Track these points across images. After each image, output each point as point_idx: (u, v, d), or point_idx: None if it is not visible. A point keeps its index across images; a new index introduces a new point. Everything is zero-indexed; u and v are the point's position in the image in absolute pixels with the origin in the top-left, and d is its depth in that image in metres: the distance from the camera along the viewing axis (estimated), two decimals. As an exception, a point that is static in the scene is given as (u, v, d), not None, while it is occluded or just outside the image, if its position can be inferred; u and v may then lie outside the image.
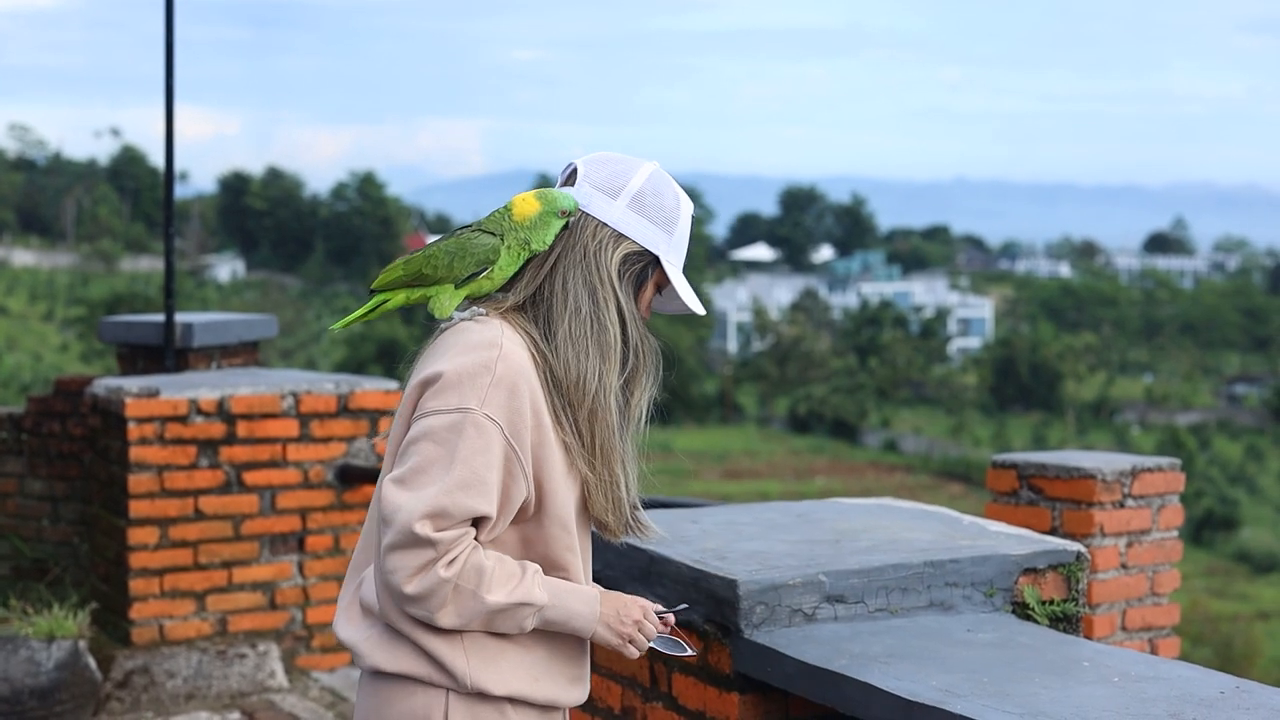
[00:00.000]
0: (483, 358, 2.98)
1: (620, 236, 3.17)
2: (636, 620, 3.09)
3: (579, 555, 3.14)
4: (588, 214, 3.17)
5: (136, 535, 6.76)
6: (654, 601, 3.33)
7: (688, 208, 3.28)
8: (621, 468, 3.17)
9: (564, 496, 3.07)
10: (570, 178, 3.24)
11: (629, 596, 3.13)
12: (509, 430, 2.96)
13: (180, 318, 7.72)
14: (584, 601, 3.06)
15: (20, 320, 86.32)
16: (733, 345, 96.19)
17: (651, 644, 3.13)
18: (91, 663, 6.26)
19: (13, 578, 7.79)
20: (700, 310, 3.29)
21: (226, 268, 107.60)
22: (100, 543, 7.14)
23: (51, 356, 73.79)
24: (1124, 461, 5.73)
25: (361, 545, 3.15)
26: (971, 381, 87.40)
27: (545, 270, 3.16)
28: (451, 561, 2.89)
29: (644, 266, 3.20)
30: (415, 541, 2.86)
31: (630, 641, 3.09)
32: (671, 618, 3.18)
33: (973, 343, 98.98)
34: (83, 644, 6.19)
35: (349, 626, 3.08)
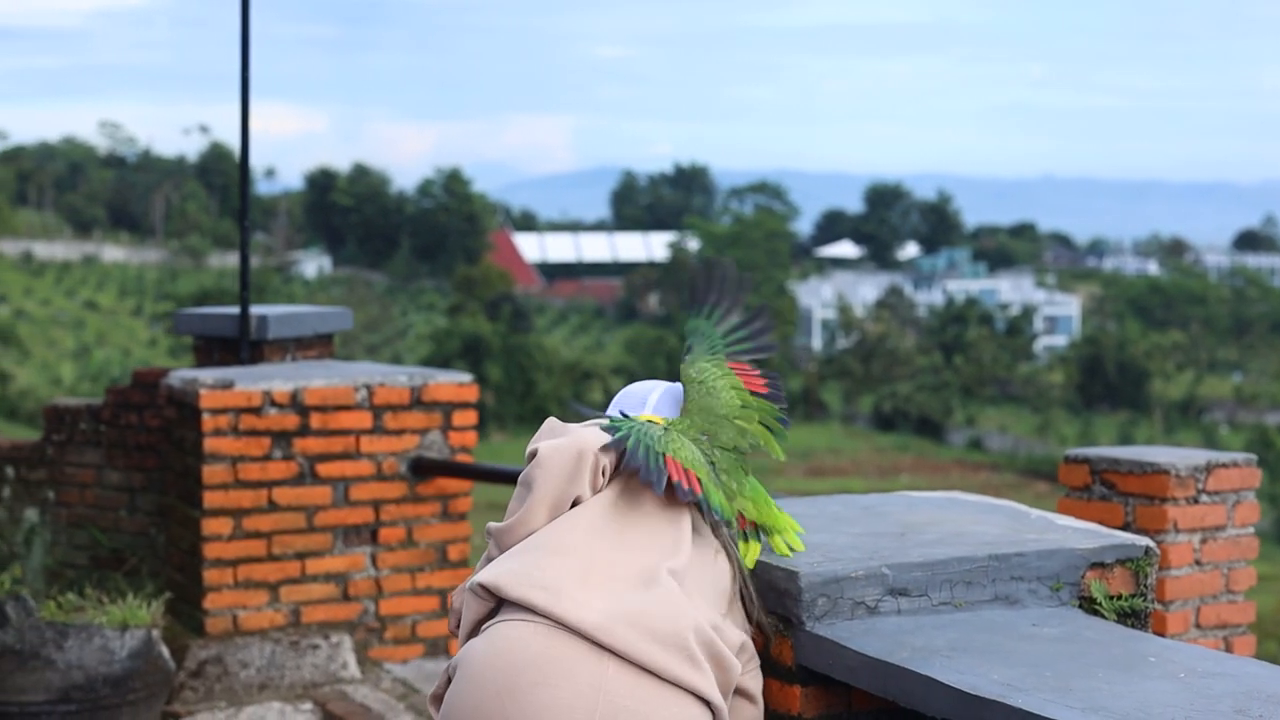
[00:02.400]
0: None
1: None
2: None
3: None
4: None
5: (210, 526, 6.81)
6: None
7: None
8: None
9: None
10: None
11: None
12: None
13: (255, 310, 7.75)
14: None
15: (110, 315, 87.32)
16: (817, 342, 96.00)
17: None
18: (165, 651, 6.31)
19: (91, 567, 7.86)
20: None
21: (313, 264, 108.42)
22: (175, 533, 7.20)
23: (140, 351, 74.61)
24: (1199, 457, 5.66)
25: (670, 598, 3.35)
26: (1058, 379, 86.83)
27: None
28: None
29: None
30: None
31: None
32: None
33: (1059, 340, 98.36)
34: (156, 633, 6.24)
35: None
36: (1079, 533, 4.11)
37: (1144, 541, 4.02)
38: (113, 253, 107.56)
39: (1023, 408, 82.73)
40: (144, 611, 6.25)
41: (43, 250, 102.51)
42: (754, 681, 3.57)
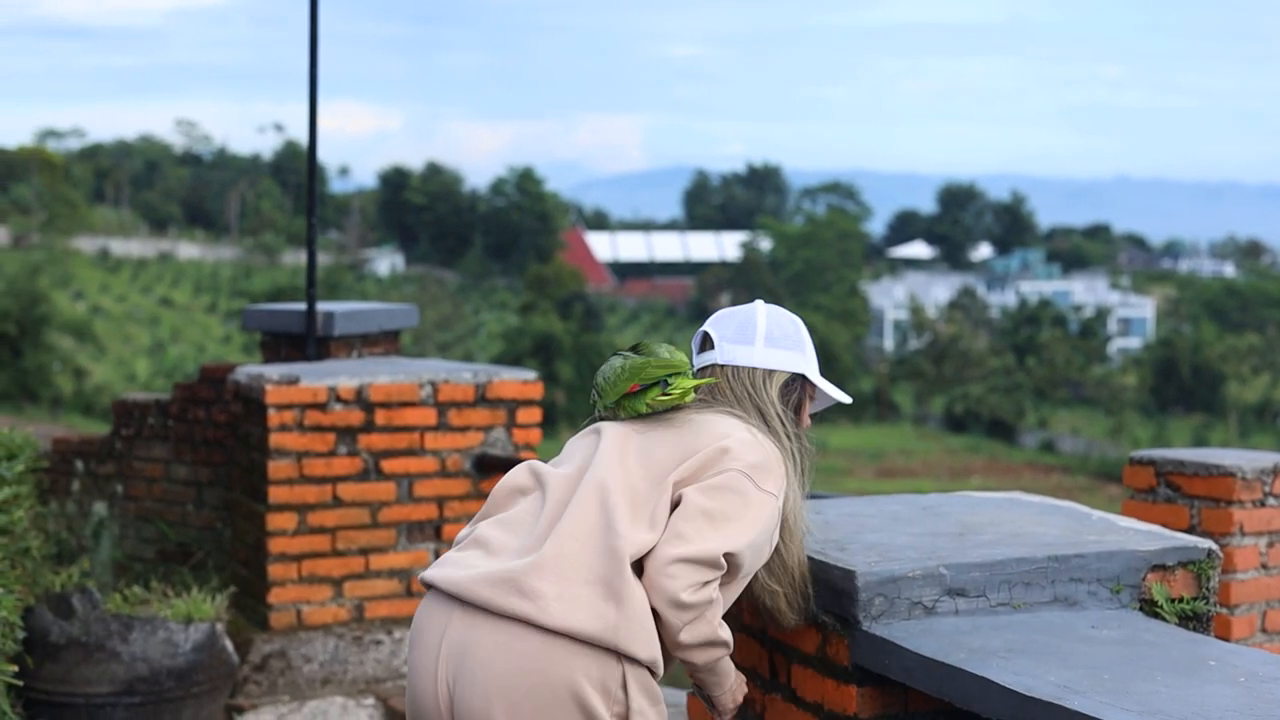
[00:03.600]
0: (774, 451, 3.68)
1: (769, 372, 3.84)
2: (743, 698, 3.80)
3: None
4: (736, 365, 3.83)
5: (275, 521, 6.84)
6: None
7: (804, 328, 3.95)
8: (805, 575, 3.82)
9: None
10: (706, 341, 3.90)
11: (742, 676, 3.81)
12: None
13: (322, 306, 7.79)
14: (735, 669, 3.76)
15: (185, 312, 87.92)
16: (889, 343, 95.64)
17: None
18: (228, 645, 6.34)
19: (158, 561, 7.91)
20: (846, 399, 3.96)
21: (386, 262, 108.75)
22: (240, 528, 7.23)
23: (214, 348, 75.05)
24: (1265, 459, 5.60)
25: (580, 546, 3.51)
26: (1131, 382, 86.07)
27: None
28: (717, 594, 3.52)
29: (797, 388, 3.87)
30: (710, 565, 3.46)
31: (726, 713, 3.76)
32: None
33: (1133, 343, 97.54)
34: (220, 626, 6.27)
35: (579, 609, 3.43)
36: (1140, 534, 4.07)
37: (1206, 544, 3.98)
38: (188, 250, 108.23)
39: (1096, 410, 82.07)
40: (208, 605, 6.28)
41: (119, 247, 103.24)
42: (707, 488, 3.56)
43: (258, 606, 6.96)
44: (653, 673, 3.46)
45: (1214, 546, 3.98)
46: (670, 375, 3.72)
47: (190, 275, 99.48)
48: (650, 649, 3.41)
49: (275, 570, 6.86)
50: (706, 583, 3.45)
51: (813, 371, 3.89)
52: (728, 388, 3.81)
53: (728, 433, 3.64)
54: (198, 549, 7.76)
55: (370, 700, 6.77)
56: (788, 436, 3.77)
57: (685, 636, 3.47)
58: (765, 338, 3.86)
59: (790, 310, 4.00)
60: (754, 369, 3.83)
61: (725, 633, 3.54)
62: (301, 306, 7.82)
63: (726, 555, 3.47)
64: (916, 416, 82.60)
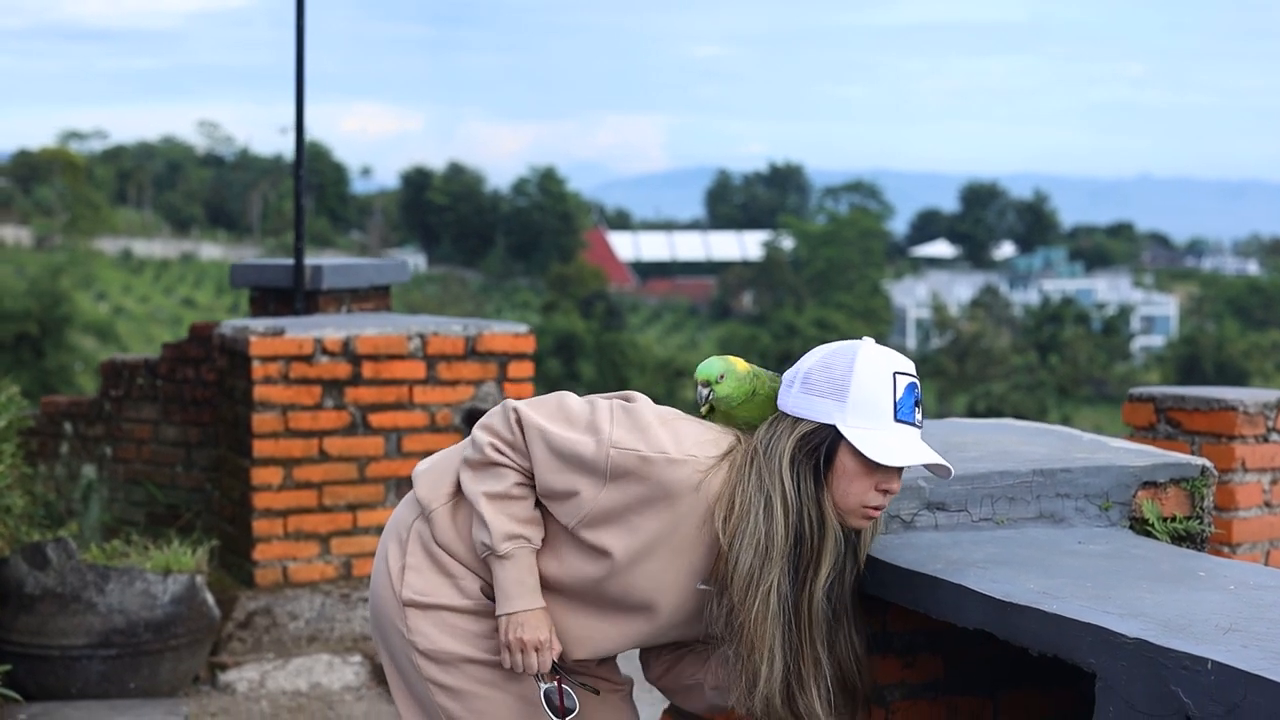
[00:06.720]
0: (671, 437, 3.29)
1: (795, 421, 3.26)
2: (530, 642, 3.29)
3: (568, 613, 3.36)
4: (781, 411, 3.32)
5: (260, 475, 6.70)
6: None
7: (870, 369, 3.22)
8: (767, 662, 3.24)
9: (589, 569, 3.30)
10: None
11: (549, 630, 3.31)
12: (615, 467, 3.22)
13: (310, 261, 7.66)
14: (518, 593, 3.28)
15: (207, 312, 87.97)
16: (911, 342, 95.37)
17: (543, 688, 3.33)
18: (209, 598, 6.20)
19: (147, 523, 7.78)
20: (887, 460, 3.18)
21: (408, 262, 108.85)
22: (227, 484, 7.10)
23: (235, 347, 75.07)
24: (1269, 394, 5.44)
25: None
26: (1155, 380, 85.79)
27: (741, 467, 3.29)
28: (499, 451, 3.30)
29: (823, 443, 3.23)
30: (504, 409, 3.33)
31: (508, 649, 3.30)
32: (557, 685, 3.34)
33: (1156, 341, 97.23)
34: (200, 579, 6.13)
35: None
36: (1131, 452, 3.92)
37: (1200, 461, 3.82)
38: (210, 250, 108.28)
39: (1119, 408, 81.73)
40: (188, 557, 6.14)
41: (141, 248, 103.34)
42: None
43: (243, 563, 6.83)
44: (439, 541, 3.38)
45: (1208, 464, 3.82)
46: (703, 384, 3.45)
47: (212, 276, 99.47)
48: (428, 489, 3.42)
49: (260, 526, 6.73)
50: (491, 428, 3.33)
51: (854, 421, 3.20)
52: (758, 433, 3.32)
53: None
54: (186, 510, 7.63)
55: (357, 658, 6.63)
56: (784, 498, 3.20)
57: (464, 473, 3.36)
58: (802, 381, 3.27)
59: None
60: (783, 415, 3.28)
61: (491, 514, 3.27)
62: (289, 261, 7.69)
63: (517, 411, 3.31)
64: (939, 415, 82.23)
